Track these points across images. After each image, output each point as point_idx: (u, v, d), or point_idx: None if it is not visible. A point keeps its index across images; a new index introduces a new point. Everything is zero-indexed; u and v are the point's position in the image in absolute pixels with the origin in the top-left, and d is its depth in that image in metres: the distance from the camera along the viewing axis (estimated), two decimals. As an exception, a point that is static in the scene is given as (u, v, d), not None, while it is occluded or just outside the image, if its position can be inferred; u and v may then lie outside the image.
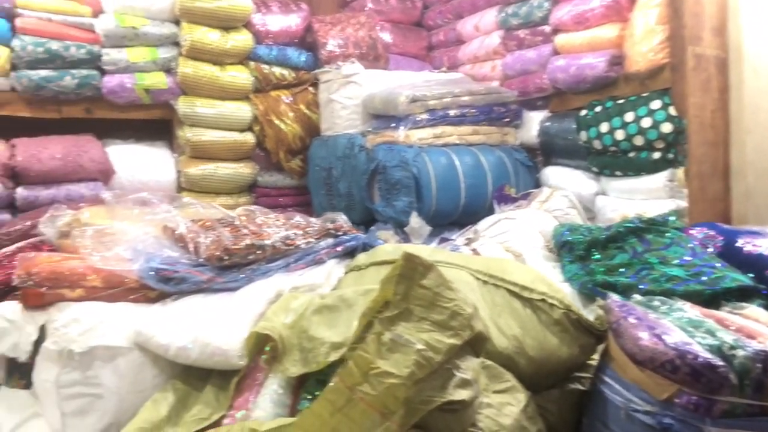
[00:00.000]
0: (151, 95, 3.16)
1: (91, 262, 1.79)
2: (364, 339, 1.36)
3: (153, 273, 1.74)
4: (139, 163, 3.19)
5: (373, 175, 2.94)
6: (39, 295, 1.73)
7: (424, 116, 2.86)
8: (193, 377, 1.61)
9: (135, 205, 1.97)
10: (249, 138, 3.36)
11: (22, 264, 1.76)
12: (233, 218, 1.89)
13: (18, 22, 2.92)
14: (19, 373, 1.82)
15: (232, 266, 1.79)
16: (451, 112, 2.90)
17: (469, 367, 1.29)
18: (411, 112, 2.84)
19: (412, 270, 1.26)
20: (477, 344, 1.35)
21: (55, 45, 2.94)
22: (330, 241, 1.92)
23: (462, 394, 1.25)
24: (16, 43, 2.91)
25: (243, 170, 3.37)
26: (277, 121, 3.35)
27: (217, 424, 1.48)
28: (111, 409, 1.58)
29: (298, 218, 1.98)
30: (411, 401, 1.19)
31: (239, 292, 1.72)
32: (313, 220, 2.00)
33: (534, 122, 3.05)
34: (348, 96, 3.16)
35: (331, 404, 1.15)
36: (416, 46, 3.81)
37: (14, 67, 2.94)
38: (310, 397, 1.45)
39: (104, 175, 3.05)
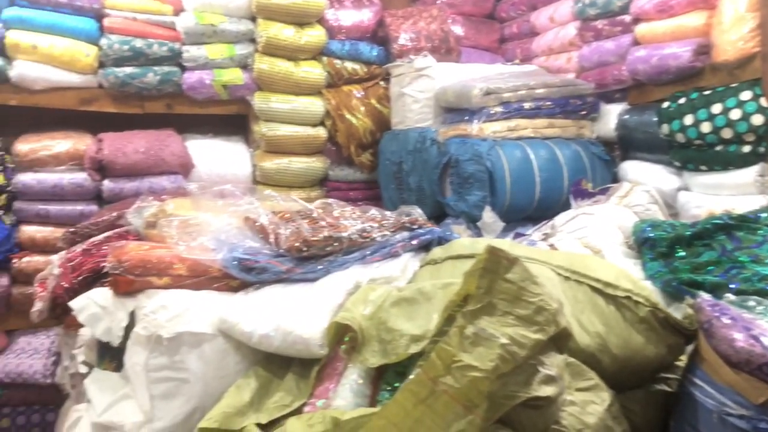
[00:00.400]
0: (229, 91, 3.24)
1: (177, 251, 1.86)
2: (446, 332, 1.36)
3: (236, 263, 1.79)
4: (216, 157, 3.28)
5: (445, 168, 2.92)
6: (129, 282, 1.81)
7: (498, 109, 2.82)
8: (275, 365, 1.65)
9: (218, 197, 2.03)
10: (321, 132, 3.41)
11: (113, 252, 1.85)
12: (311, 210, 1.93)
13: (106, 21, 3.06)
14: (110, 355, 1.91)
15: (310, 257, 1.82)
16: (526, 105, 2.85)
17: (554, 363, 1.27)
18: (485, 105, 2.80)
19: (496, 263, 1.24)
20: (560, 340, 1.32)
21: (139, 43, 3.06)
22: (405, 234, 1.92)
23: (547, 391, 1.23)
24: (103, 41, 3.04)
25: (315, 164, 3.42)
26: (348, 116, 3.38)
27: (298, 411, 1.51)
28: (196, 394, 1.64)
29: (374, 211, 1.99)
30: (494, 395, 1.17)
31: (318, 282, 1.74)
32: (388, 213, 2.01)
33: (611, 115, 2.95)
34: (420, 89, 3.15)
35: (414, 395, 1.15)
36: (488, 38, 3.76)
37: (102, 65, 3.08)
38: (389, 388, 1.46)
39: (184, 168, 3.16)
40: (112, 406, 1.75)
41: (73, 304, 1.89)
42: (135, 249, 1.85)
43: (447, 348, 1.15)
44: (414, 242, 1.92)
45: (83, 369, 1.94)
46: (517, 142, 2.79)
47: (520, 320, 1.22)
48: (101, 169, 3.03)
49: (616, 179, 2.87)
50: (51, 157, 2.97)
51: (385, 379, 1.47)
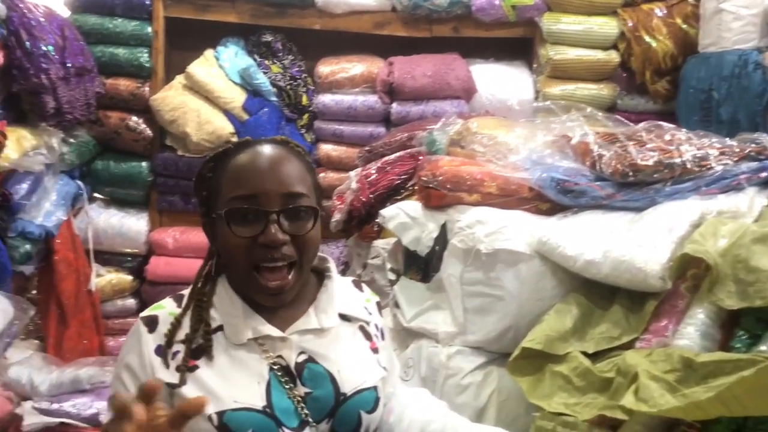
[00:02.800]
0: (517, 12, 3.10)
1: (488, 169, 1.82)
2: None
3: (554, 183, 1.69)
4: (498, 82, 3.19)
5: (772, 98, 2.48)
6: (441, 196, 1.83)
7: None
8: (595, 293, 1.55)
9: (536, 114, 1.94)
10: (613, 56, 3.12)
11: (428, 166, 1.87)
12: (638, 131, 1.73)
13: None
14: (416, 266, 1.97)
15: (635, 183, 1.65)
16: None
17: None
18: (841, 19, 2.29)
19: None
20: None
21: (433, -37, 3.04)
22: (752, 165, 1.65)
23: None
24: (402, -37, 3.07)
25: (602, 92, 3.16)
26: (647, 38, 3.03)
27: (628, 346, 1.39)
28: (511, 312, 1.61)
29: (713, 138, 1.73)
30: None
31: (649, 211, 1.57)
32: (728, 140, 1.74)
33: None
34: (743, 4, 2.68)
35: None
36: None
37: (396, -14, 3.13)
38: (746, 335, 1.27)
39: (467, 93, 3.13)
40: (421, 314, 1.80)
41: (385, 212, 1.97)
42: (448, 164, 1.85)
43: None
44: (762, 175, 1.64)
45: (391, 276, 2.03)
46: None
47: None
48: (390, 92, 3.13)
49: None
50: (347, 79, 3.13)
51: (742, 324, 1.28)
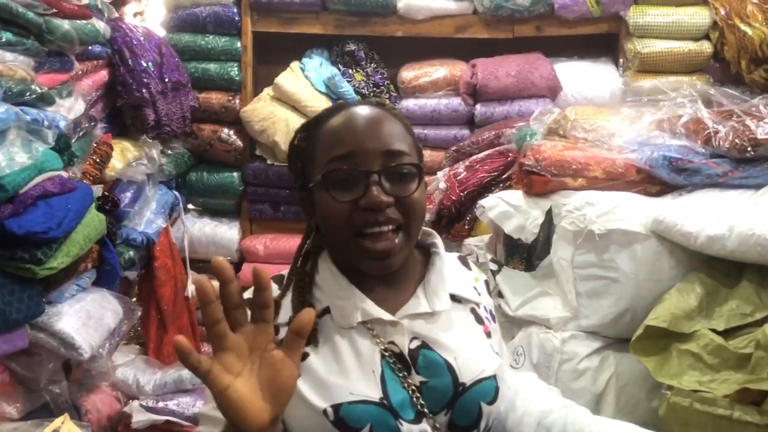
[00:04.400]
0: (602, 7, 3.05)
1: (592, 153, 1.78)
2: None
3: (666, 162, 1.63)
4: (583, 79, 3.13)
5: None
6: (544, 182, 1.80)
7: None
8: (718, 272, 1.48)
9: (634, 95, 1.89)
10: (705, 47, 3.00)
11: (530, 152, 1.84)
12: (755, 106, 1.66)
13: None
14: (519, 255, 1.94)
15: (754, 159, 1.58)
16: None
17: None
18: None
19: None
20: None
21: (513, -36, 3.03)
22: None
23: None
24: (479, -33, 3.09)
25: (695, 83, 3.04)
26: (741, 25, 2.91)
27: (761, 322, 1.31)
28: (627, 295, 1.55)
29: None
30: None
31: (773, 185, 1.50)
32: None
33: None
34: None
35: None
36: None
37: (475, -9, 3.13)
38: None
39: (552, 91, 3.08)
40: (528, 302, 1.76)
41: (484, 202, 1.96)
42: (551, 149, 1.82)
43: None
44: None
45: (492, 266, 2.00)
46: None
47: None
48: (474, 93, 3.12)
49: None
50: (430, 83, 3.14)
51: None
